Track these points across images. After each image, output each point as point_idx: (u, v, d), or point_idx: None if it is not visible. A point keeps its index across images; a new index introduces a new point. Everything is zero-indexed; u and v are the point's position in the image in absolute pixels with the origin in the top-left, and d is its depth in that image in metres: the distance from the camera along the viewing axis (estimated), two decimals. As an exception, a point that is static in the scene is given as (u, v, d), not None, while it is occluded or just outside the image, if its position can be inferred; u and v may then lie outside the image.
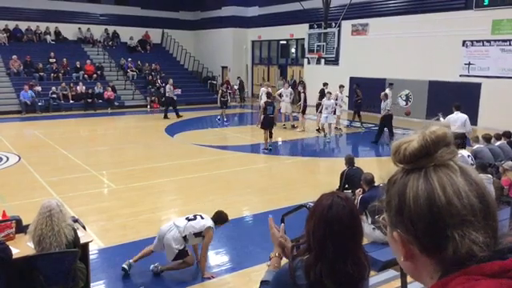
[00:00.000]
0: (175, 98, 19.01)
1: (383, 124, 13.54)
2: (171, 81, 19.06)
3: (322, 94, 15.32)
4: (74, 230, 4.27)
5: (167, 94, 18.63)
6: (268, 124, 12.35)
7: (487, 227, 0.77)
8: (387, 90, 14.66)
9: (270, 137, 12.47)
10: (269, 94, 14.05)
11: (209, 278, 5.33)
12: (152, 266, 5.39)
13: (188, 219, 5.23)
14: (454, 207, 0.77)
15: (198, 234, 5.19)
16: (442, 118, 10.45)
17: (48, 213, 4.05)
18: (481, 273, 0.73)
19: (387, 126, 13.54)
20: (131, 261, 5.39)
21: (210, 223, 5.24)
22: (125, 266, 5.36)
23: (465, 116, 10.37)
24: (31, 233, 4.11)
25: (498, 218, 0.81)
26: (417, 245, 0.81)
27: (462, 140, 9.36)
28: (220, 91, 18.41)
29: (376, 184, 5.86)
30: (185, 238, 5.13)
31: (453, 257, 0.76)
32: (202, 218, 5.28)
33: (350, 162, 7.42)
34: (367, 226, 5.70)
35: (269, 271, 2.06)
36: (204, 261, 5.34)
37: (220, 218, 5.40)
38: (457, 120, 10.23)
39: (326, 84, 15.99)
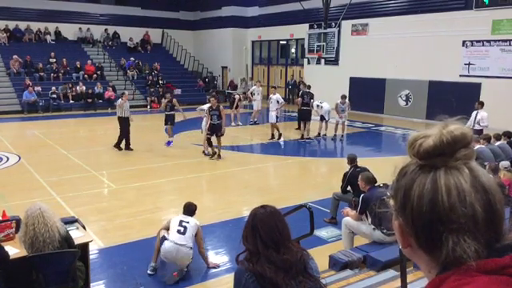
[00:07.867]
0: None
1: None
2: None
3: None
4: (65, 228, 4.24)
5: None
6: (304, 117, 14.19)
7: (487, 235, 0.77)
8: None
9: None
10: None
11: (214, 268, 5.55)
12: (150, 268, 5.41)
13: (180, 232, 5.26)
14: (455, 213, 0.77)
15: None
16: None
17: (38, 210, 3.96)
18: (477, 270, 0.75)
19: None
20: (153, 263, 5.42)
21: (195, 220, 5.40)
22: (150, 272, 5.40)
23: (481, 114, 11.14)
24: (22, 238, 4.01)
25: (503, 224, 0.80)
26: (414, 239, 0.84)
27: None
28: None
29: (377, 184, 5.82)
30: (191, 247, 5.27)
31: (444, 259, 0.78)
32: (188, 222, 5.34)
33: (352, 160, 7.09)
34: (367, 227, 5.66)
35: None
36: (204, 252, 5.54)
37: (191, 210, 5.50)
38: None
39: (344, 96, 14.68)
